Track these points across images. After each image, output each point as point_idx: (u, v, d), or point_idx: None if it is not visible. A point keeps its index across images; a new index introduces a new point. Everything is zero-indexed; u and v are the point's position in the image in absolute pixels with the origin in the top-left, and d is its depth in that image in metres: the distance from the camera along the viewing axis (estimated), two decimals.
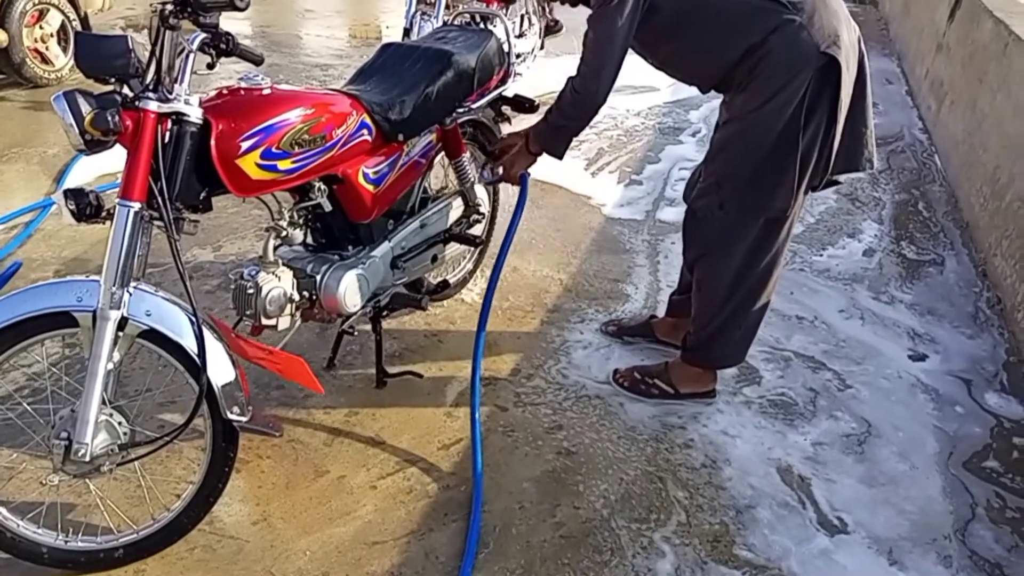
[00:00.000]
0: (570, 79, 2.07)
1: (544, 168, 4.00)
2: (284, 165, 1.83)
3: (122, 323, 1.65)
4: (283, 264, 2.04)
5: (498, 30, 2.60)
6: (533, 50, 5.65)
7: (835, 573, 1.85)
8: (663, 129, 4.65)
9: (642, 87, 5.08)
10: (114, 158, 1.68)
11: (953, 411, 2.43)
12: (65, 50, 5.01)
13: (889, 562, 1.89)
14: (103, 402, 1.66)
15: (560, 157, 2.20)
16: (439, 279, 2.70)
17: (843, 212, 3.77)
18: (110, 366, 1.65)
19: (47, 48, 4.92)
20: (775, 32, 1.92)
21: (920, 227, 3.65)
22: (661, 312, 2.82)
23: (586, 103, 2.07)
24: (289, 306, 2.03)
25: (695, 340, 2.33)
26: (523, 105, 2.62)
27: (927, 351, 2.71)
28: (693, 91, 2.32)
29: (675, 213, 3.66)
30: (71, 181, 3.65)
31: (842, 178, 2.20)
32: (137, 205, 1.61)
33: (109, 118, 1.52)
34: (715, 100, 2.29)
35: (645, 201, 3.79)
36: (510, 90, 2.60)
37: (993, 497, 2.10)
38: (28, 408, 1.88)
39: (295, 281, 2.05)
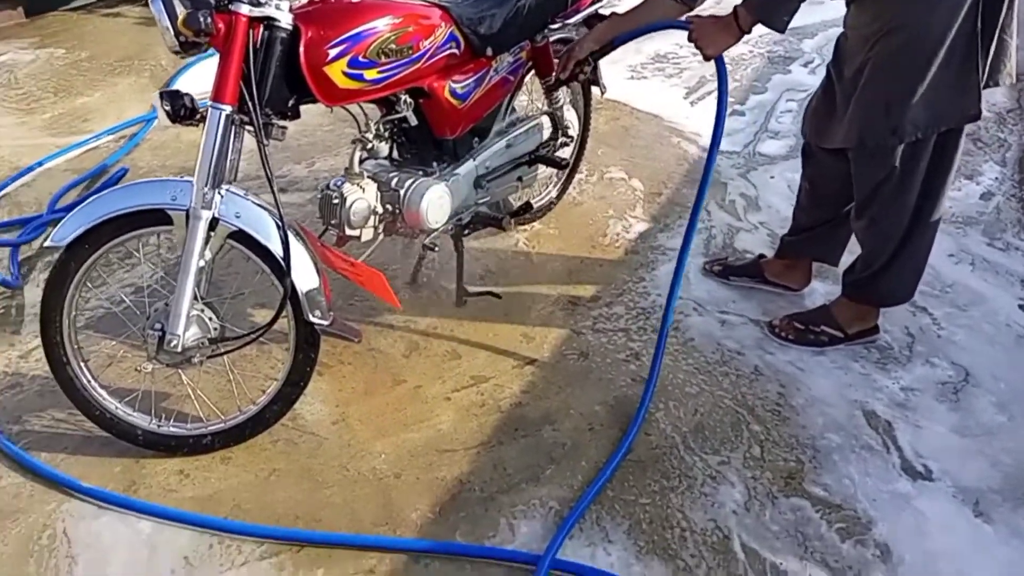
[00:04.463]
0: None
1: (639, 96, 3.92)
2: (370, 75, 1.83)
3: (213, 223, 1.71)
4: (368, 176, 2.06)
5: None
6: None
7: (913, 519, 1.78)
8: (772, 58, 4.39)
9: None
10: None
11: None
12: None
13: (974, 513, 1.80)
14: (195, 298, 1.75)
15: (782, 29, 1.89)
16: (523, 201, 2.68)
17: (963, 152, 3.49)
18: (202, 263, 1.72)
19: None
20: None
21: None
22: (753, 248, 2.72)
23: None
24: (373, 218, 2.06)
25: (864, 276, 2.19)
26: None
27: None
28: (808, 19, 2.10)
29: (777, 146, 3.49)
30: None
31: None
32: (228, 108, 1.65)
33: (201, 18, 1.55)
34: (832, 29, 2.12)
35: (746, 133, 3.62)
36: (607, 8, 2.50)
37: None
38: (128, 301, 2.00)
39: (379, 194, 2.07)
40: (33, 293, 2.46)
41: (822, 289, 2.52)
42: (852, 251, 2.31)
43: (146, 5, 5.00)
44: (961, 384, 2.17)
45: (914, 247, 2.12)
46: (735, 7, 1.92)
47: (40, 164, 3.17)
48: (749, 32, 1.93)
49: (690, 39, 1.99)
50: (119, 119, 3.55)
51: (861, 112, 1.98)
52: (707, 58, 1.99)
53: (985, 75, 1.88)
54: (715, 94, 4.10)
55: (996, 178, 3.27)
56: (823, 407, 2.08)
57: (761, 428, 2.01)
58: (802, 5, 1.88)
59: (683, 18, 2.03)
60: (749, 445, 1.96)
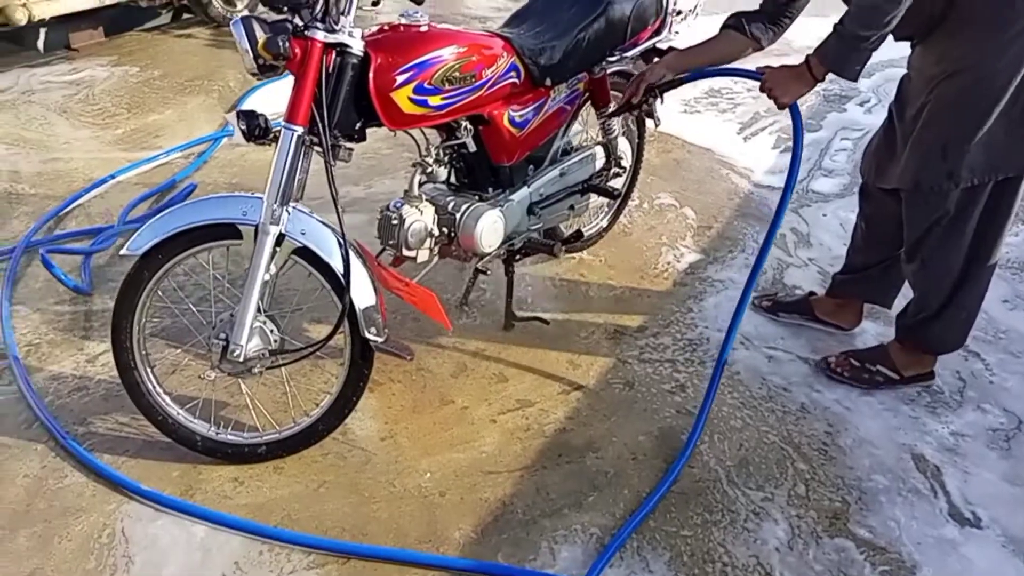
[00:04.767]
0: None
1: (692, 130, 3.95)
2: (434, 101, 1.90)
3: (279, 239, 1.79)
4: (426, 200, 2.13)
5: None
6: (696, 8, 5.47)
7: (959, 566, 1.75)
8: (828, 96, 4.40)
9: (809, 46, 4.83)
10: (283, 100, 1.77)
11: None
12: None
13: None
14: (258, 310, 1.82)
15: (855, 78, 1.90)
16: (574, 229, 2.72)
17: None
18: (267, 277, 1.80)
19: None
20: None
21: None
22: (803, 284, 2.72)
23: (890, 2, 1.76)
24: (429, 240, 2.12)
25: (915, 321, 2.18)
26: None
27: None
28: None
29: (831, 184, 3.48)
30: None
31: None
32: (300, 129, 1.73)
33: (280, 43, 1.64)
34: (890, 69, 2.12)
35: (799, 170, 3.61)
36: (665, 43, 2.55)
37: None
38: (194, 310, 2.09)
39: (436, 217, 2.13)
40: (103, 300, 2.57)
41: (873, 330, 2.51)
42: (906, 295, 2.30)
43: (216, 27, 5.25)
44: (1013, 432, 2.14)
45: (966, 295, 2.09)
46: (807, 56, 1.94)
47: (112, 177, 3.32)
48: (823, 80, 1.95)
49: (762, 89, 2.02)
50: (188, 137, 3.70)
51: (918, 154, 1.98)
52: (781, 107, 2.02)
53: None
54: (769, 130, 4.14)
55: None
56: (871, 448, 2.06)
57: (807, 466, 2.00)
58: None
59: (755, 68, 2.07)
60: (794, 483, 1.95)
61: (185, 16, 5.46)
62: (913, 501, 1.91)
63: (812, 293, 2.59)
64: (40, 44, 4.77)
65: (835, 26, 1.87)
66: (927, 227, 2.05)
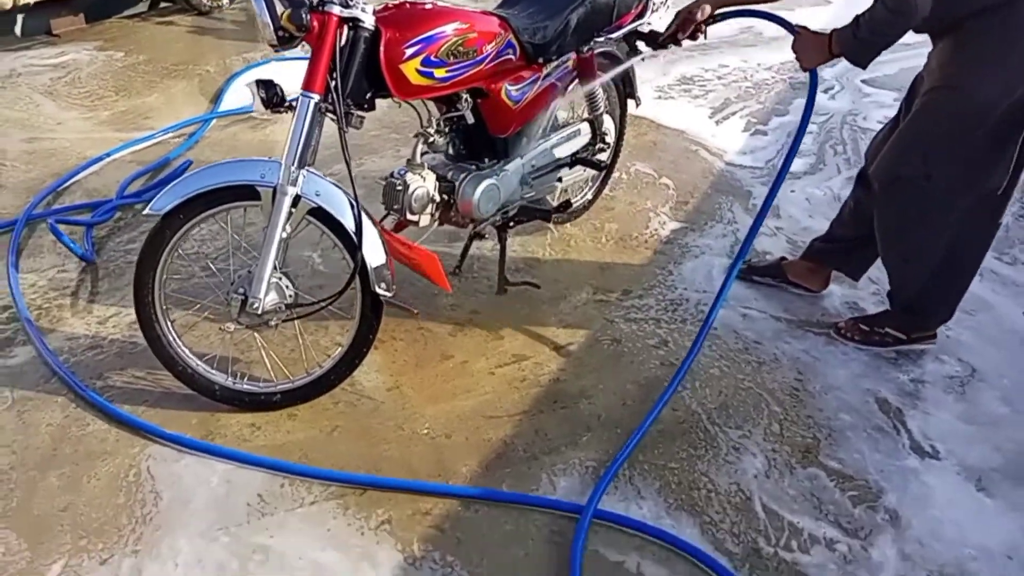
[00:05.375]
0: None
1: (667, 114, 4.13)
2: (440, 73, 2.04)
3: (295, 200, 1.91)
4: (428, 168, 2.27)
5: None
6: None
7: (920, 491, 1.95)
8: (795, 83, 4.61)
9: (776, 38, 5.05)
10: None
11: None
12: None
13: (976, 488, 1.97)
14: (275, 267, 1.95)
15: (864, 67, 2.05)
16: (563, 199, 2.87)
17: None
18: (284, 235, 1.92)
19: None
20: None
21: None
22: (772, 250, 2.91)
23: (904, 18, 1.90)
24: (431, 206, 2.27)
25: (902, 304, 2.37)
26: (657, 40, 2.72)
27: None
28: None
29: (798, 163, 3.66)
30: (227, 102, 4.00)
31: None
32: (317, 97, 1.86)
33: (303, 15, 1.77)
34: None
35: (768, 151, 3.81)
36: (646, 26, 2.71)
37: None
38: (214, 268, 2.19)
39: (437, 184, 2.28)
40: (106, 269, 2.66)
41: (839, 292, 2.70)
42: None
43: (197, 15, 5.28)
44: (968, 379, 2.34)
45: (951, 286, 2.27)
46: (832, 31, 2.08)
47: (108, 155, 3.40)
48: (838, 56, 2.08)
49: (792, 48, 2.18)
50: (177, 119, 3.79)
51: (898, 147, 2.13)
52: (804, 69, 2.19)
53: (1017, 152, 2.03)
54: (739, 115, 4.32)
55: None
56: (838, 393, 2.25)
57: (780, 408, 2.19)
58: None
59: (795, 24, 2.21)
60: (769, 423, 2.13)
61: (163, 4, 5.51)
62: (877, 437, 2.11)
63: (784, 258, 2.78)
64: (17, 29, 4.79)
65: (854, 20, 2.00)
66: (905, 222, 2.20)
